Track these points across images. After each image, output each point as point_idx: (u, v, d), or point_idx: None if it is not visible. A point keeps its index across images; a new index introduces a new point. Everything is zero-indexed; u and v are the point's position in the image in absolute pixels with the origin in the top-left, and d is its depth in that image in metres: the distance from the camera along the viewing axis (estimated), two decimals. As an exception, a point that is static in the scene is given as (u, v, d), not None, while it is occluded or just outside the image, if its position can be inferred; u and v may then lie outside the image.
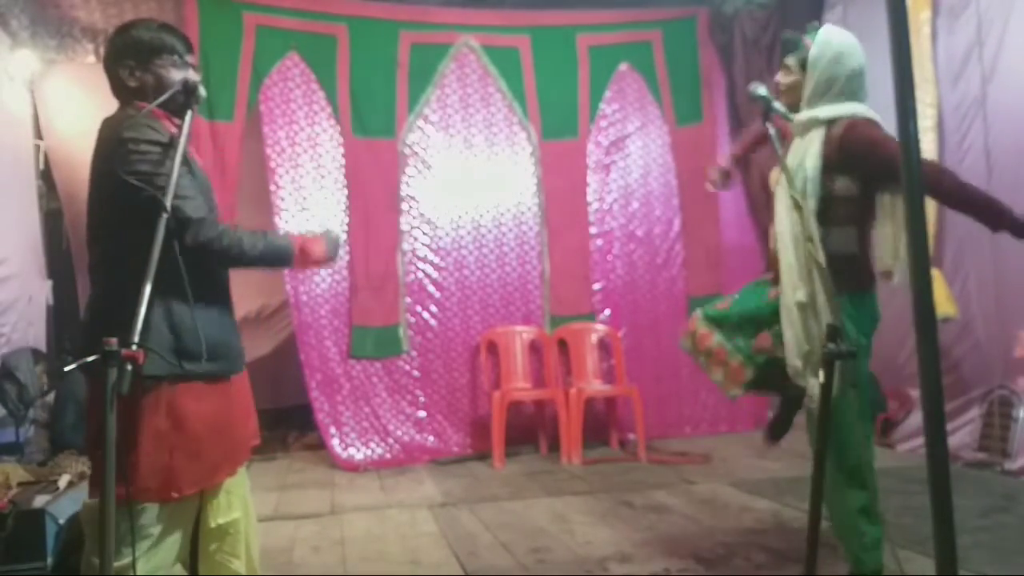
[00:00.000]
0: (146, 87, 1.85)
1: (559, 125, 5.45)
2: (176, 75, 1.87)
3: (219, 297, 1.92)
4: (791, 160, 2.39)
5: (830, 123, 2.34)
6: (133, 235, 1.66)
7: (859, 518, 2.34)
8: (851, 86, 2.35)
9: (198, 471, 1.80)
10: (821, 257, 2.18)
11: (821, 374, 1.88)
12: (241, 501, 1.95)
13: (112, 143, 1.75)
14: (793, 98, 2.44)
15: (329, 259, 2.03)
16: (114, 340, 1.48)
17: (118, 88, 1.89)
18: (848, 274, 2.29)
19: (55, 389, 4.68)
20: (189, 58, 1.93)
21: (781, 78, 2.52)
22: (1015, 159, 4.03)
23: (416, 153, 5.28)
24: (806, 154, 2.36)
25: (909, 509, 3.15)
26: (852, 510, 2.34)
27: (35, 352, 4.50)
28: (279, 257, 1.95)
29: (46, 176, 5.61)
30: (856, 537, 2.35)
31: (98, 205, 1.81)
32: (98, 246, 1.82)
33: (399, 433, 5.03)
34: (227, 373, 1.89)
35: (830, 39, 2.37)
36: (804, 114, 2.39)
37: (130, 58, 1.85)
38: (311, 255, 1.97)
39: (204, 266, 1.83)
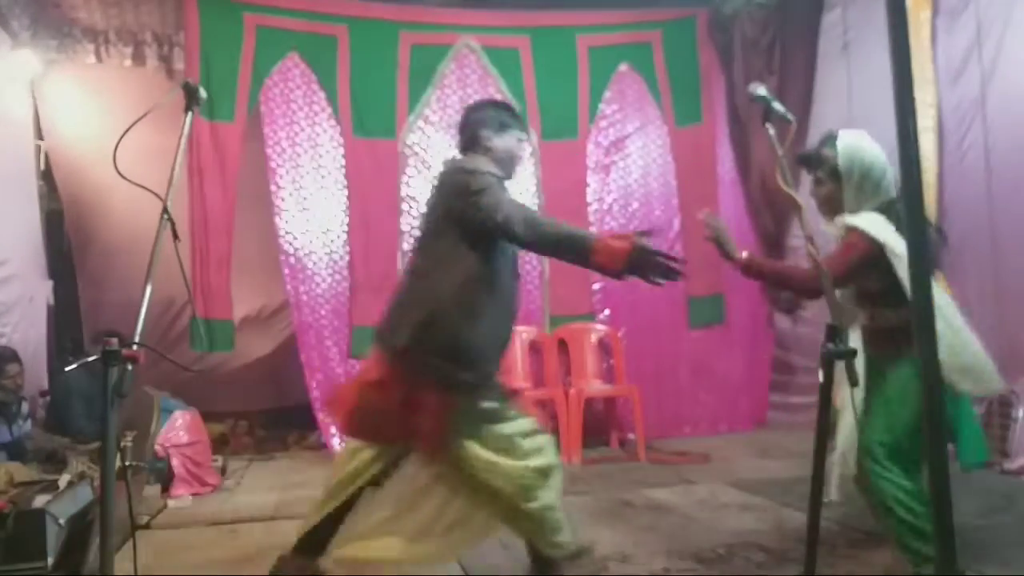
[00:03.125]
0: (496, 151, 2.39)
1: (559, 125, 5.46)
2: (514, 144, 2.44)
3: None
4: None
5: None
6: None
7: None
8: (885, 183, 2.48)
9: None
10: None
11: (820, 374, 1.89)
12: None
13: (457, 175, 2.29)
14: (833, 207, 2.54)
15: (632, 263, 2.00)
16: (114, 340, 1.49)
17: (472, 142, 2.42)
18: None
19: (55, 386, 4.70)
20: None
21: (816, 191, 2.60)
22: (1015, 159, 4.03)
23: (416, 153, 5.29)
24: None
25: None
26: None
27: (3, 353, 4.44)
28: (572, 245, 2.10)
29: (47, 176, 5.62)
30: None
31: (438, 223, 2.26)
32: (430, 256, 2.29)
33: (399, 433, 5.03)
34: None
35: (855, 148, 2.49)
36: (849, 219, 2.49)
37: (489, 127, 2.40)
38: (613, 251, 2.00)
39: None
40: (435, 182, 2.41)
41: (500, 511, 2.31)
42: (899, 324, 2.37)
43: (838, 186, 2.50)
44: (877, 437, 2.32)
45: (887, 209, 2.47)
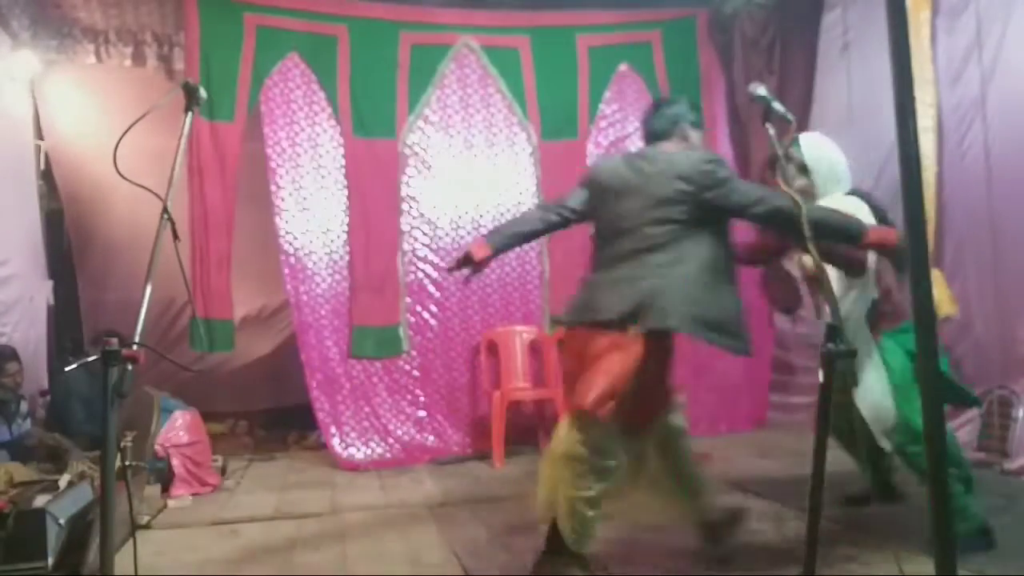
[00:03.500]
0: (691, 143, 2.69)
1: (559, 125, 5.45)
2: (700, 141, 2.74)
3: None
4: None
5: None
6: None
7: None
8: (847, 171, 2.97)
9: None
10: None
11: (820, 374, 1.89)
12: None
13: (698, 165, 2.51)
14: (806, 198, 2.84)
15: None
16: (114, 340, 1.50)
17: (669, 132, 2.70)
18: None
19: (55, 387, 4.70)
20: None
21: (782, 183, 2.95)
22: (1015, 159, 4.03)
23: (416, 153, 5.28)
24: None
25: (910, 508, 3.16)
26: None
27: (2, 351, 4.44)
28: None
29: (47, 176, 5.63)
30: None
31: (681, 210, 2.48)
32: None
33: (399, 433, 5.03)
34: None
35: (818, 144, 2.99)
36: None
37: (688, 120, 2.69)
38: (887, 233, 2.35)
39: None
40: (658, 170, 2.58)
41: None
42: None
43: (809, 179, 2.92)
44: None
45: (853, 193, 2.87)
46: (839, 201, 2.79)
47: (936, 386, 1.36)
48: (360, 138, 5.12)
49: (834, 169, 2.92)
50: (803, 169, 2.92)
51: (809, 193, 2.90)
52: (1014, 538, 2.86)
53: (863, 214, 2.70)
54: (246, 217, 5.04)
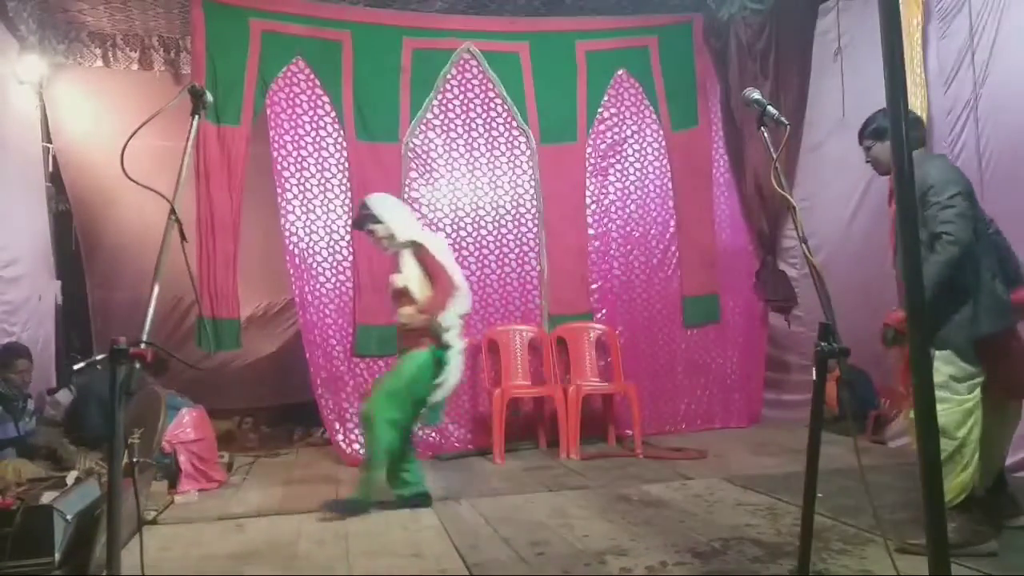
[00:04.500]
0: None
1: (558, 129, 5.51)
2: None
3: None
4: None
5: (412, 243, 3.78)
6: None
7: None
8: (412, 217, 4.10)
9: None
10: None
11: (814, 372, 1.94)
12: None
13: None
14: (387, 244, 3.82)
15: None
16: (122, 339, 1.53)
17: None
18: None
19: (70, 385, 4.77)
20: None
21: (375, 240, 3.87)
22: (1007, 161, 4.07)
23: (418, 156, 5.34)
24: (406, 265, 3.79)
25: (902, 505, 3.21)
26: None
27: (14, 347, 4.49)
28: None
29: (55, 178, 5.70)
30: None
31: None
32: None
33: (401, 430, 5.09)
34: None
35: (382, 200, 3.92)
36: (401, 242, 3.78)
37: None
38: None
39: None
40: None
41: None
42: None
43: (383, 225, 3.76)
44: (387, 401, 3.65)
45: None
46: (424, 235, 3.87)
47: (930, 387, 1.37)
48: (363, 142, 5.18)
49: (400, 215, 3.86)
50: (377, 220, 3.76)
51: (386, 240, 3.78)
52: (1007, 534, 2.87)
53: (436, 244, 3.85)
54: (252, 218, 5.10)
